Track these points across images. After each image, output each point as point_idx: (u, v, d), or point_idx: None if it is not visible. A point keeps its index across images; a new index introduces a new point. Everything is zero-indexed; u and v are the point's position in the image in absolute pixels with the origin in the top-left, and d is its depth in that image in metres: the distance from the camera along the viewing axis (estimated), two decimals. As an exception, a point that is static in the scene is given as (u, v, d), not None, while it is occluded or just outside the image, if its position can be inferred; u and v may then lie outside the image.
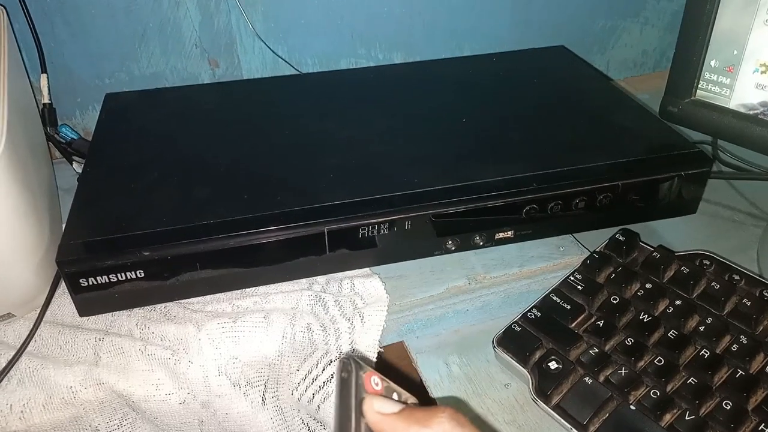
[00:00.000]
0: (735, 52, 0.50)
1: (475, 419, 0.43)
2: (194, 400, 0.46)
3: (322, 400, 0.45)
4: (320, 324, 0.49)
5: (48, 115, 0.66)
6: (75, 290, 0.45)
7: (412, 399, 0.31)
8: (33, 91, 0.65)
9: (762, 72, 0.48)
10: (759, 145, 0.50)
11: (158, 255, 0.45)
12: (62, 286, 0.51)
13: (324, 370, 0.46)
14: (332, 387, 0.45)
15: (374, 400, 0.29)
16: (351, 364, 0.30)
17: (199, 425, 0.46)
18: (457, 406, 0.44)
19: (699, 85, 0.53)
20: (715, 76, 0.51)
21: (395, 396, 0.31)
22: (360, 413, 0.29)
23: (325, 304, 0.50)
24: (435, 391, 0.45)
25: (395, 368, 0.51)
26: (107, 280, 0.45)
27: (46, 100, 0.66)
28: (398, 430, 0.28)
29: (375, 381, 0.30)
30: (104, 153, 0.56)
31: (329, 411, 0.45)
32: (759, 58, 0.48)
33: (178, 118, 0.62)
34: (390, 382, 0.31)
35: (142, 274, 0.46)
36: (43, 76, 0.66)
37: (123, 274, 0.45)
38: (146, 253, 0.45)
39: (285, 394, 0.47)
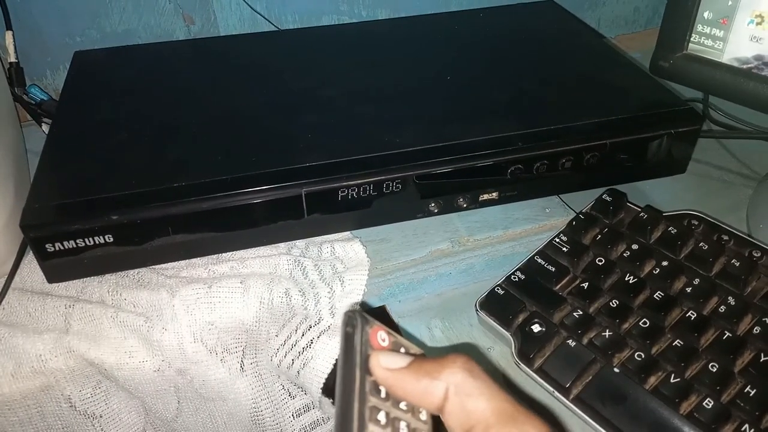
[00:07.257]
0: (730, 3, 0.47)
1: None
2: (169, 367, 0.45)
3: (302, 366, 0.44)
4: (299, 289, 0.47)
5: (15, 75, 0.63)
6: (41, 256, 0.43)
7: (420, 353, 0.29)
8: (-2, 49, 0.62)
9: (757, 23, 0.46)
10: (751, 100, 0.48)
11: (128, 219, 0.43)
12: (31, 252, 0.49)
13: (303, 335, 0.45)
14: (312, 353, 0.44)
15: (380, 356, 0.27)
16: (357, 318, 0.28)
17: (175, 392, 0.45)
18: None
19: (691, 39, 0.51)
20: (708, 28, 0.49)
21: (403, 351, 0.28)
22: (366, 371, 0.27)
23: (304, 268, 0.49)
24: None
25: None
26: (75, 245, 0.43)
27: (12, 58, 0.63)
28: (407, 385, 0.26)
29: (382, 336, 0.28)
30: (72, 113, 0.54)
31: (309, 377, 0.44)
32: (755, 9, 0.46)
33: (150, 76, 0.59)
34: (398, 336, 0.29)
35: (112, 239, 0.44)
36: (8, 33, 0.62)
37: (91, 239, 0.43)
38: (115, 217, 0.43)
39: (264, 360, 0.46)
